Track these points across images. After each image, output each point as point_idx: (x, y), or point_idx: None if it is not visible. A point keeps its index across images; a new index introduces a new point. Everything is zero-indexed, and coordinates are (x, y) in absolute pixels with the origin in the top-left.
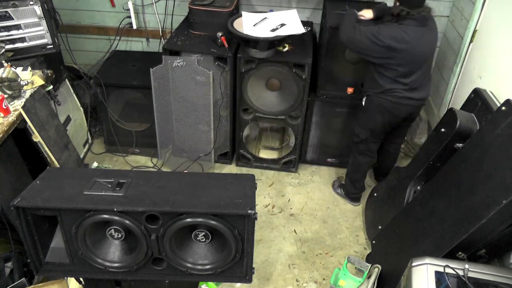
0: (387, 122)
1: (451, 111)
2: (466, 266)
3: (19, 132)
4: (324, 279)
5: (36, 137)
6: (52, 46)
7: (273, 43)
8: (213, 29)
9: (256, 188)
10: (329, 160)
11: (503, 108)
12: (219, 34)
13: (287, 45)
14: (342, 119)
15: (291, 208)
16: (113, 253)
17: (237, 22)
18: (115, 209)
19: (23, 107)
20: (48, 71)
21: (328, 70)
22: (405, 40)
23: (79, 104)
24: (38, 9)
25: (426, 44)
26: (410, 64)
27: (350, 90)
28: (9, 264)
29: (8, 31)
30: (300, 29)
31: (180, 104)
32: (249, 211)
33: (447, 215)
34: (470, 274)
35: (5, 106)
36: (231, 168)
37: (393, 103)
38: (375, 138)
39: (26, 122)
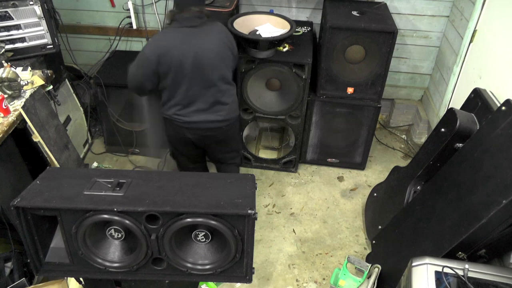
0: (181, 143)
1: (451, 111)
2: (466, 266)
3: (19, 132)
4: (324, 279)
5: (36, 137)
6: (52, 46)
7: (273, 43)
8: None
9: (256, 188)
10: (329, 160)
11: (503, 108)
12: None
13: (287, 45)
14: (342, 119)
15: (291, 208)
16: (113, 253)
17: (237, 22)
18: (115, 209)
19: (23, 107)
20: (48, 71)
21: (328, 70)
22: (168, 43)
23: (79, 104)
24: (38, 9)
25: (201, 47)
26: (174, 72)
27: (350, 90)
28: (9, 264)
29: (8, 31)
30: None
31: None
32: (249, 211)
33: (447, 215)
34: (470, 274)
35: (5, 106)
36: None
37: (174, 126)
38: (180, 156)
39: (26, 122)
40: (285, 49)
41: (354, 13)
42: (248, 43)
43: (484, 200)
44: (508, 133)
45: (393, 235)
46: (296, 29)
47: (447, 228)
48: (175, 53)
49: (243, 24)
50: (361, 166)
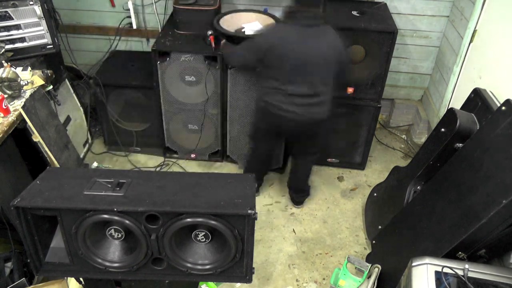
0: (267, 128)
1: (451, 111)
2: (466, 266)
3: (19, 132)
4: (324, 279)
5: (36, 137)
6: (52, 46)
7: None
8: (199, 27)
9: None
10: (329, 160)
11: (503, 108)
12: (209, 32)
13: None
14: (342, 119)
15: (291, 208)
16: (113, 253)
17: (225, 19)
18: (115, 209)
19: (23, 107)
20: (48, 71)
21: None
22: (282, 37)
23: (79, 104)
24: (38, 9)
25: (312, 47)
26: (290, 69)
27: (350, 90)
28: (9, 264)
29: (8, 31)
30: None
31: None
32: (249, 211)
33: (447, 215)
34: (470, 274)
35: (5, 106)
36: (231, 168)
37: (271, 111)
38: (257, 140)
39: (26, 122)
40: None
41: (354, 13)
42: (232, 40)
43: (484, 200)
44: (508, 133)
45: (393, 235)
46: None
47: (447, 228)
48: (284, 49)
49: (231, 21)
50: (361, 166)
